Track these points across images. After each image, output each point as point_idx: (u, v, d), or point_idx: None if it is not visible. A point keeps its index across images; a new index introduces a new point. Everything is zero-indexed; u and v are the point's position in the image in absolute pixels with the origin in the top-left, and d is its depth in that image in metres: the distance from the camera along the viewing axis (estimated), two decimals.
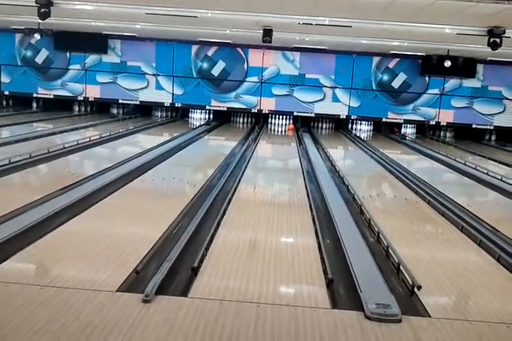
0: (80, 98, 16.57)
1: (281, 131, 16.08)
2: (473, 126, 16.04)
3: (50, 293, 3.25)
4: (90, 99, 16.59)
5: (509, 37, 9.01)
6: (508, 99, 15.83)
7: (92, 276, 3.59)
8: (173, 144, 10.87)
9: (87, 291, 3.29)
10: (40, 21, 9.57)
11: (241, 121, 17.09)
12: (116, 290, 3.36)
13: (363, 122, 16.97)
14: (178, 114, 17.22)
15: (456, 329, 3.11)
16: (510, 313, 3.43)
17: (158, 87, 16.26)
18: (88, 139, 10.41)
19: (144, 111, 17.03)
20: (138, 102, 16.42)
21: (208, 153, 11.37)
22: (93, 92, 16.41)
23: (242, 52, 15.95)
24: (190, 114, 17.18)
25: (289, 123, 16.73)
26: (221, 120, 16.62)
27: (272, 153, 12.49)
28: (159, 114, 17.49)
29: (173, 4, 8.74)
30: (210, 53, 16.00)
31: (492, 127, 16.11)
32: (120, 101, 16.47)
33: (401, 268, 4.02)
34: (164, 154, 9.50)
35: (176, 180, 7.53)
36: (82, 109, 17.56)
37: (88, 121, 14.22)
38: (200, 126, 15.59)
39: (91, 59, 16.24)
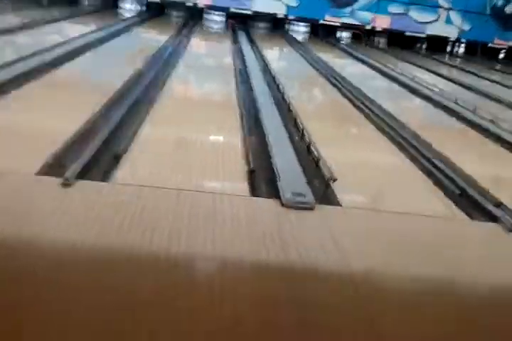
0: None
1: (217, 29, 15.47)
2: (407, 33, 16.02)
3: None
4: None
5: None
6: (443, 7, 15.75)
7: (7, 162, 3.47)
8: (100, 35, 10.25)
9: (2, 174, 3.19)
10: None
11: (175, 14, 16.23)
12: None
13: (301, 24, 16.55)
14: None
15: (365, 216, 3.35)
16: (420, 207, 3.69)
17: None
18: (7, 25, 9.61)
19: None
20: None
21: (139, 45, 10.84)
22: None
23: None
24: (119, 4, 16.07)
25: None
26: (154, 12, 15.71)
27: (206, 51, 12.10)
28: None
29: None
30: None
31: (424, 35, 16.15)
32: None
33: (320, 163, 4.17)
34: (91, 44, 8.98)
35: (101, 72, 7.21)
36: None
37: (12, 8, 13.04)
38: (132, 17, 14.69)
39: None
